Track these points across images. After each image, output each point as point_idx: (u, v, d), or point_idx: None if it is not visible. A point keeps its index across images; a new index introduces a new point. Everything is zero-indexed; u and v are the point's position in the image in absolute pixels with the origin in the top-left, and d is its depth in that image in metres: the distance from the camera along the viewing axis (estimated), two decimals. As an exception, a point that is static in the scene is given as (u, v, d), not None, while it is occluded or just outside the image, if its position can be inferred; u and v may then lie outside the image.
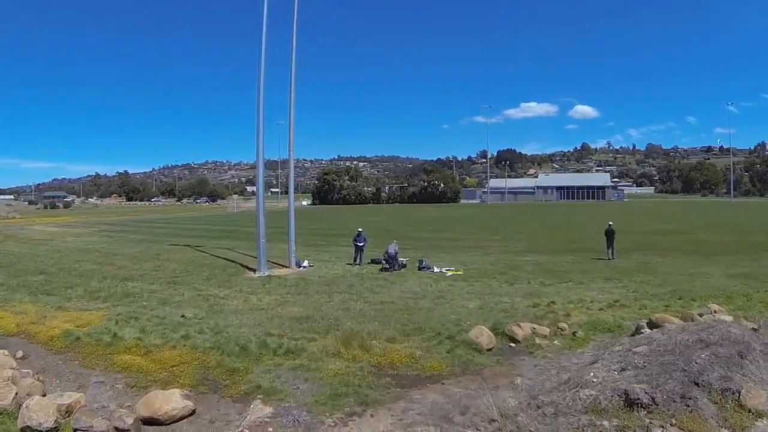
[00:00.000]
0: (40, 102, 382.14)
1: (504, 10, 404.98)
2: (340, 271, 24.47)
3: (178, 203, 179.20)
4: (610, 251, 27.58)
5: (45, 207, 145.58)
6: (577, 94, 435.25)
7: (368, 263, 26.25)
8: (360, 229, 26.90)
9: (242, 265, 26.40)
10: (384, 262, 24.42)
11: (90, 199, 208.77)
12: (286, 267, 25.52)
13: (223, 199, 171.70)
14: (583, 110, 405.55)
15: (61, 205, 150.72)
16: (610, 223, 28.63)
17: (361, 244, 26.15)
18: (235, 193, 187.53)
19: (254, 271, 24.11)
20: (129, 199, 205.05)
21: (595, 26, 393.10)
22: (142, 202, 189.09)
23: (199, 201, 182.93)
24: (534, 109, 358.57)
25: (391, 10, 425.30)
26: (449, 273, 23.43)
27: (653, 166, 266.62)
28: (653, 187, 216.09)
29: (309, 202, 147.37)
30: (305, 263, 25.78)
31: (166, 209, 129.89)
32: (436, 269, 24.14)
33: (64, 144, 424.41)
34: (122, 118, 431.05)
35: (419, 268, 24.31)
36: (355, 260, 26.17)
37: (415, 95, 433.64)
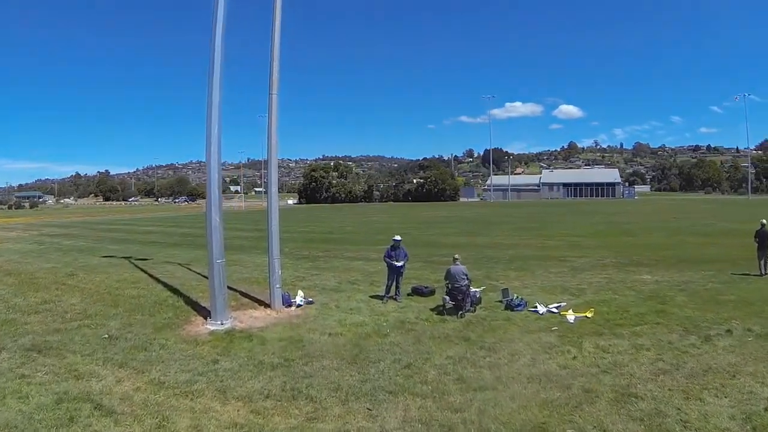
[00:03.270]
0: (24, 102, 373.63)
1: (489, 10, 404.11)
2: (364, 315, 13.35)
3: (156, 203, 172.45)
4: (762, 263, 17.96)
5: (9, 207, 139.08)
6: (563, 94, 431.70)
7: (407, 295, 15.41)
8: (398, 237, 15.37)
9: (188, 301, 15.31)
10: (447, 297, 13.33)
11: (66, 199, 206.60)
12: (264, 306, 14.37)
13: (203, 198, 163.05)
14: (568, 110, 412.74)
15: (27, 205, 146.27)
16: (764, 221, 17.92)
17: (400, 264, 15.01)
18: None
19: (206, 317, 12.96)
20: (107, 199, 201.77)
21: (579, 27, 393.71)
22: (119, 202, 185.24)
23: (177, 200, 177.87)
24: (519, 108, 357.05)
25: (376, 11, 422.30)
26: (570, 316, 12.68)
27: (641, 165, 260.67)
28: (649, 186, 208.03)
29: (295, 201, 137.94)
30: (299, 298, 14.65)
31: (140, 209, 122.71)
32: (541, 308, 13.29)
33: (48, 145, 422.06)
34: (107, 118, 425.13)
35: (508, 307, 13.54)
36: (387, 291, 15.05)
37: (400, 95, 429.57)
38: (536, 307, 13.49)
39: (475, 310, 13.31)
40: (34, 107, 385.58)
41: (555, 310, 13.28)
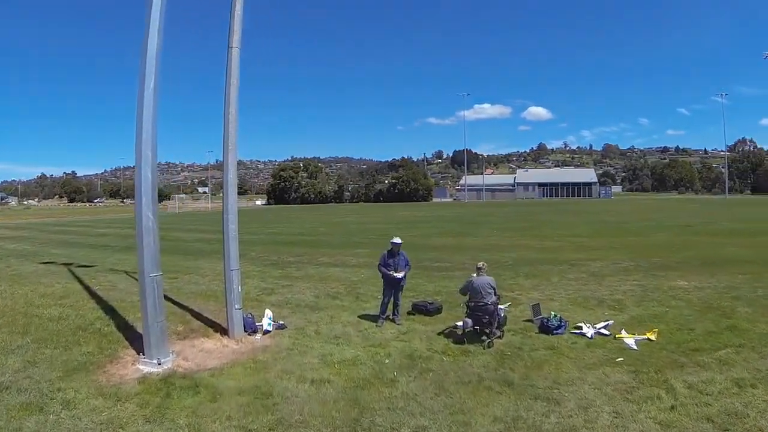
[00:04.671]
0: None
1: (457, 13, 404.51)
2: (356, 347, 9.84)
3: (121, 204, 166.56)
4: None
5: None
6: (531, 96, 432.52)
7: (408, 314, 12.08)
8: (397, 240, 11.72)
9: (122, 326, 11.61)
10: (468, 320, 9.93)
11: (29, 201, 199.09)
12: (221, 333, 10.78)
13: (170, 199, 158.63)
14: (537, 112, 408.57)
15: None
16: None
17: (401, 276, 11.57)
18: (184, 193, 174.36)
19: (140, 350, 9.35)
20: (72, 201, 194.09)
21: (547, 29, 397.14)
22: (84, 204, 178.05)
23: None
24: (488, 110, 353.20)
25: (343, 12, 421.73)
26: (629, 340, 9.68)
27: (611, 166, 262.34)
28: (620, 186, 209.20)
29: (263, 202, 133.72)
30: (267, 322, 11.02)
31: (104, 210, 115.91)
32: (587, 330, 10.15)
33: (14, 146, 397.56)
34: (74, 118, 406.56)
35: (544, 329, 10.33)
36: (383, 311, 11.60)
37: (368, 97, 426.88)
38: (581, 328, 10.29)
39: (503, 335, 10.01)
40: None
41: (606, 332, 10.15)
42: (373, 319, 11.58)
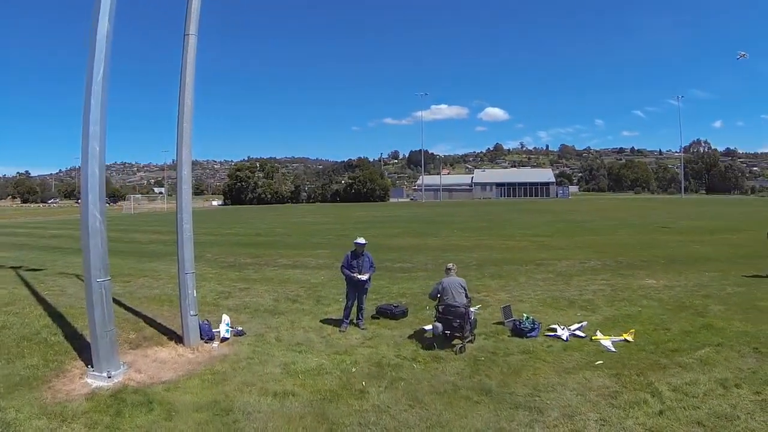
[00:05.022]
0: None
1: (413, 14, 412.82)
2: (321, 355, 9.20)
3: (77, 204, 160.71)
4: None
5: None
6: (488, 97, 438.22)
7: (372, 318, 11.51)
8: (361, 240, 11.13)
9: (70, 335, 10.61)
10: (439, 324, 9.38)
11: None
12: (176, 341, 9.98)
13: (125, 200, 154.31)
14: (494, 112, 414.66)
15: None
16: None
17: (365, 278, 10.97)
18: (140, 194, 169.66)
19: (90, 364, 8.49)
20: (24, 201, 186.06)
21: (505, 30, 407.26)
22: (38, 204, 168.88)
23: None
24: (444, 111, 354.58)
25: (298, 11, 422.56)
26: (605, 341, 9.42)
27: (567, 166, 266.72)
28: (577, 186, 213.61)
29: (220, 203, 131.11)
30: (224, 328, 10.27)
31: (58, 211, 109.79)
32: (562, 332, 9.78)
33: None
34: (27, 117, 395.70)
35: (517, 332, 9.91)
36: (346, 315, 10.98)
37: (324, 97, 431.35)
38: (555, 330, 9.92)
39: (474, 339, 9.53)
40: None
41: (581, 334, 9.83)
42: (336, 323, 10.98)
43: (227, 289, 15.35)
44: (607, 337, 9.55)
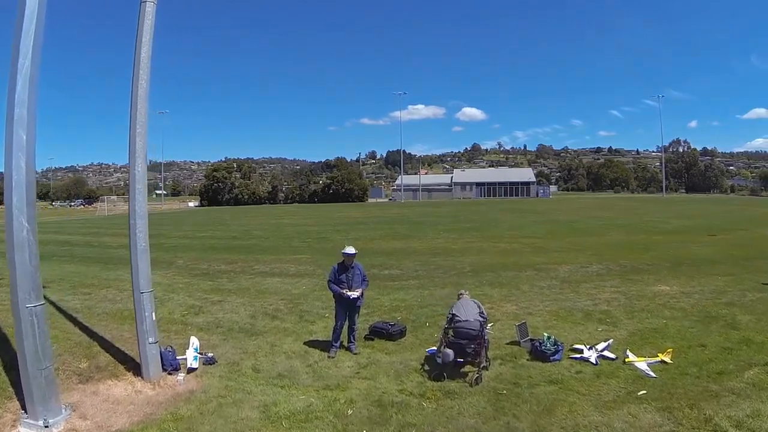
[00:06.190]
0: None
1: (390, 14, 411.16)
2: (307, 391, 7.63)
3: (51, 206, 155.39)
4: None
5: None
6: (465, 97, 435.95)
7: (365, 339, 9.95)
8: (350, 250, 9.40)
9: (7, 365, 8.75)
10: (449, 351, 7.80)
11: None
12: (134, 373, 8.35)
13: (100, 201, 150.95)
14: (471, 113, 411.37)
15: None
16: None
17: (357, 295, 9.37)
18: (116, 195, 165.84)
19: (24, 409, 6.89)
20: None
21: (482, 30, 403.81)
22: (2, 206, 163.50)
23: (73, 204, 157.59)
24: (422, 111, 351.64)
25: (275, 12, 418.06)
26: (640, 363, 8.04)
27: (545, 166, 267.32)
28: (556, 186, 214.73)
29: (196, 204, 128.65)
30: (192, 355, 8.66)
31: None
32: (590, 353, 8.40)
33: None
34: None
35: (537, 354, 8.51)
36: (336, 337, 9.41)
37: (301, 97, 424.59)
38: (580, 351, 8.54)
39: (489, 365, 8.10)
40: None
41: (611, 355, 8.48)
42: (324, 346, 9.45)
43: (198, 302, 13.70)
44: (642, 358, 8.21)
